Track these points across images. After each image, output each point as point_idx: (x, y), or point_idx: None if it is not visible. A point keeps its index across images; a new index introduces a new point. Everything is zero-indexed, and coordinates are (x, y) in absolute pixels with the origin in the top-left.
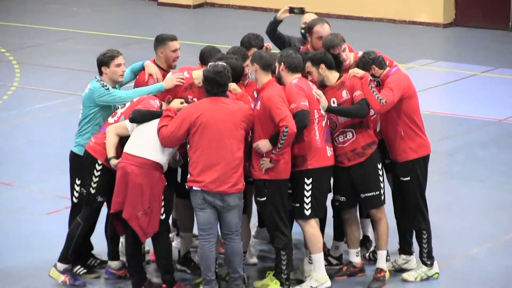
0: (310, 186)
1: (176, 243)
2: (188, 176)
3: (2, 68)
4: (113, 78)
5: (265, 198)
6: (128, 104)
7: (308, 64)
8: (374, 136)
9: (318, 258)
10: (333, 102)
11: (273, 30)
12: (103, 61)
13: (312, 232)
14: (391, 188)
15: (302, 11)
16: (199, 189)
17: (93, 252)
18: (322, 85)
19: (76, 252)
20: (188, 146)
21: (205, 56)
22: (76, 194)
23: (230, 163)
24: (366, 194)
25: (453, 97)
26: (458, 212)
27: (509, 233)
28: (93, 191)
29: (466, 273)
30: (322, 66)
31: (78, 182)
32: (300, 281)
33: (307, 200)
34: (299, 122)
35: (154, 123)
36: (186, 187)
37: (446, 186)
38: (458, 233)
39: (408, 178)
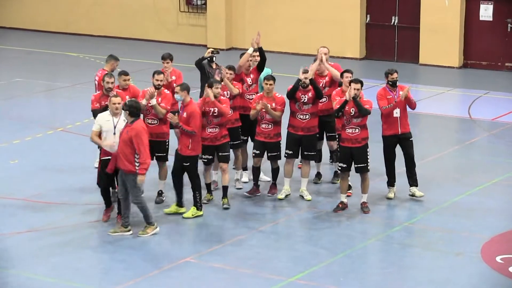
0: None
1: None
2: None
3: None
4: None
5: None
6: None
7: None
8: (368, 134)
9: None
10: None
11: (200, 61)
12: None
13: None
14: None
15: (218, 51)
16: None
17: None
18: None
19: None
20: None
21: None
22: None
23: None
24: (358, 165)
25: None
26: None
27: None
28: None
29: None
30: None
31: None
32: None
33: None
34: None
35: None
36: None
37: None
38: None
39: (412, 139)
